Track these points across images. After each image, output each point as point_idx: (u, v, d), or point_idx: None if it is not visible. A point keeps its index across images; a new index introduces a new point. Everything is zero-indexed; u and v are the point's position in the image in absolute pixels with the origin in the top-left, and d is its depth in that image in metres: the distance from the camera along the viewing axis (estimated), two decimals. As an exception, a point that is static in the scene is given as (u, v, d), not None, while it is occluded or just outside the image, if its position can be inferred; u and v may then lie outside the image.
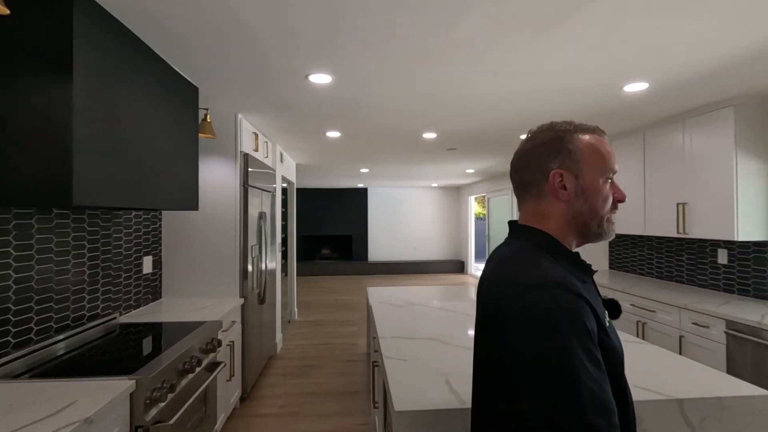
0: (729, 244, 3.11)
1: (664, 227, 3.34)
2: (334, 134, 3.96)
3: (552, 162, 0.79)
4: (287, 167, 5.26)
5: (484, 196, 9.41)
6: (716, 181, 2.87)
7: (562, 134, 0.80)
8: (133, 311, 2.57)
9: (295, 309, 5.77)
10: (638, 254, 4.10)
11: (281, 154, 4.77)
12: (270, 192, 3.99)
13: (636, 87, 2.52)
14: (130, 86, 1.76)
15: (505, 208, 7.99)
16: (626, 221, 3.80)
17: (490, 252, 0.88)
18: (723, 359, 2.51)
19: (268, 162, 4.10)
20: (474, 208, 10.35)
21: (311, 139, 4.24)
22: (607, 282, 3.67)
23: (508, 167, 6.59)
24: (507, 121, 3.45)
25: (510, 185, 7.35)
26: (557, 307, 0.65)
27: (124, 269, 2.47)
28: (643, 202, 3.58)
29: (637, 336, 3.19)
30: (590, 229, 0.79)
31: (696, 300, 2.86)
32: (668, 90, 2.59)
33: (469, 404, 1.21)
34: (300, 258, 10.60)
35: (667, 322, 2.95)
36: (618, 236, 4.41)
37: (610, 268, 4.54)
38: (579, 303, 0.66)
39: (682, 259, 3.55)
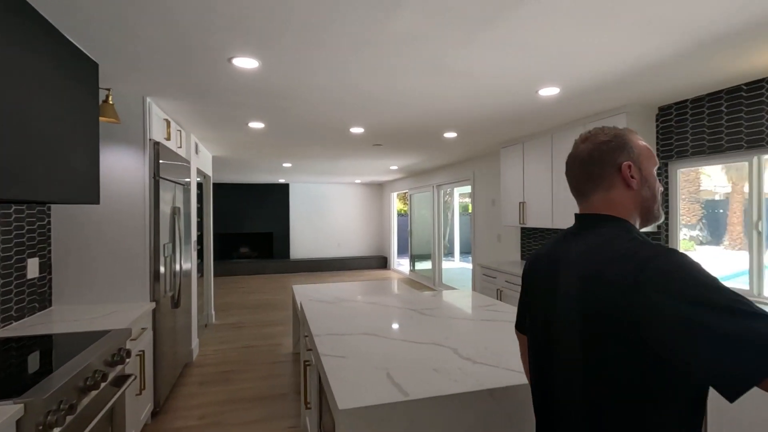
0: (620, 235, 3.54)
1: (569, 221, 3.70)
2: (257, 125, 3.74)
3: (620, 157, 0.88)
4: (203, 159, 4.87)
5: (406, 193, 9.66)
6: (611, 179, 3.23)
7: (621, 134, 0.91)
8: (15, 323, 2.18)
9: (213, 312, 5.39)
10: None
11: (196, 145, 4.40)
12: (183, 186, 3.65)
13: (549, 91, 2.74)
14: (5, 52, 1.47)
15: (427, 204, 8.27)
16: (537, 216, 4.14)
17: (550, 243, 0.97)
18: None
19: (181, 153, 3.75)
20: (396, 204, 10.58)
21: (231, 130, 3.97)
22: (519, 271, 3.97)
23: (430, 164, 6.90)
24: (434, 119, 3.55)
25: (432, 182, 7.66)
26: (695, 261, 0.70)
27: (1, 273, 2.08)
28: (551, 198, 3.93)
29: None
30: (652, 212, 0.90)
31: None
32: (576, 96, 2.86)
33: (413, 396, 1.21)
34: (217, 257, 9.94)
35: (572, 306, 3.27)
36: (529, 230, 4.79)
37: (522, 259, 4.92)
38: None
39: (583, 250, 3.96)
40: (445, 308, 2.35)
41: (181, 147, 3.72)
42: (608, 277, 0.75)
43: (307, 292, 3.17)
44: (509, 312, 2.24)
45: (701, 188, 3.52)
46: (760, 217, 2.61)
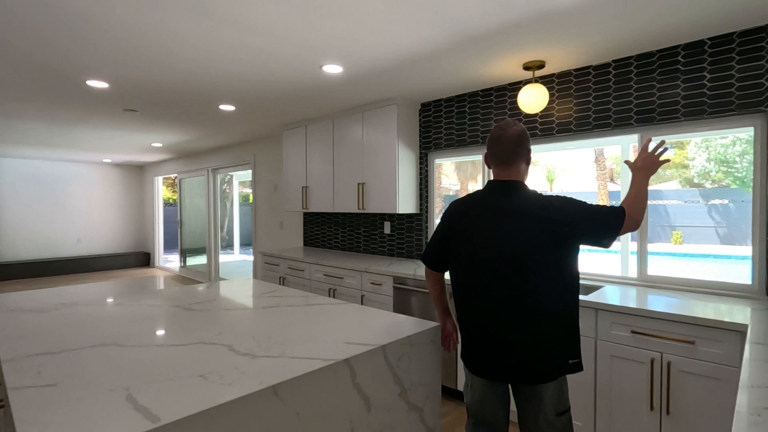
0: (391, 217, 3.89)
1: (349, 205, 3.83)
2: None
3: (529, 145, 1.46)
4: None
5: (175, 177, 8.36)
6: (385, 165, 3.49)
7: (524, 129, 1.47)
8: None
9: None
10: (327, 230, 4.57)
11: None
12: None
13: (333, 69, 2.70)
14: None
15: (201, 191, 7.35)
16: (318, 200, 4.14)
17: (468, 198, 1.54)
18: (391, 307, 3.08)
19: None
20: (162, 191, 9.07)
21: None
22: (302, 257, 3.89)
23: (205, 144, 6.04)
24: (206, 85, 3.04)
25: (207, 165, 6.78)
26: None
27: None
28: (332, 183, 3.99)
29: (330, 302, 3.52)
30: None
31: (372, 264, 3.40)
32: (357, 79, 2.91)
33: (166, 419, 0.87)
34: None
35: (352, 285, 3.39)
36: (310, 214, 4.78)
37: (305, 245, 4.89)
38: None
39: (360, 232, 4.19)
40: (221, 301, 1.99)
41: None
42: (553, 213, 1.36)
43: (10, 300, 2.22)
44: (295, 296, 2.07)
45: (442, 185, 4.24)
46: (489, 200, 3.26)
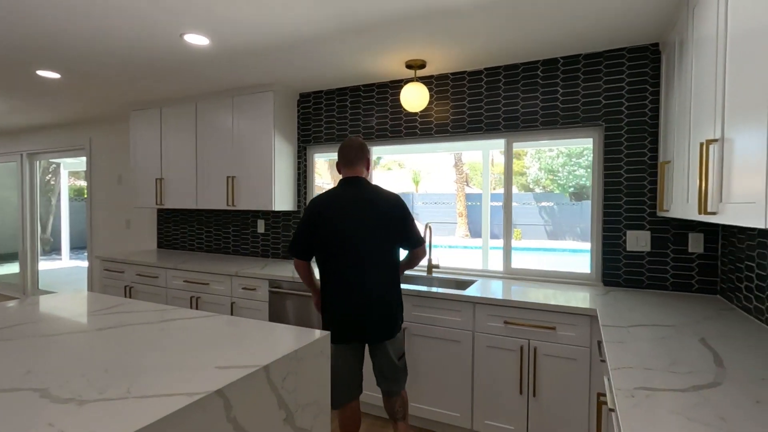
0: (266, 215, 3.57)
1: (216, 201, 3.38)
2: None
3: (366, 153, 1.94)
4: None
5: (-31, 163, 6.42)
6: (259, 158, 3.17)
7: (364, 142, 1.95)
8: None
9: None
10: (189, 230, 4.00)
11: None
12: None
13: (197, 40, 2.30)
14: None
15: (11, 182, 5.78)
16: (178, 195, 3.58)
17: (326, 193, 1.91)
18: (267, 315, 2.80)
19: None
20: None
21: None
22: (155, 261, 3.31)
23: (18, 120, 4.64)
24: (14, 40, 2.31)
25: (21, 149, 5.35)
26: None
27: None
28: (196, 176, 3.48)
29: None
30: None
31: (244, 267, 3.05)
32: (228, 56, 2.55)
33: None
34: None
35: (220, 292, 2.98)
36: (167, 211, 4.13)
37: (159, 246, 4.20)
38: None
39: (229, 231, 3.76)
40: (38, 323, 1.49)
41: None
42: (389, 207, 1.84)
43: None
44: (146, 310, 1.67)
45: (315, 183, 4.09)
46: (370, 197, 3.21)
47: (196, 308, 3.07)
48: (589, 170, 16.11)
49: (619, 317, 1.76)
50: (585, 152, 14.05)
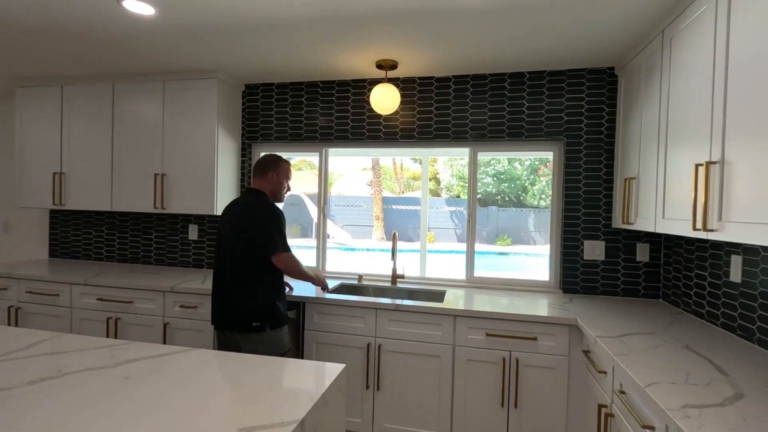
0: (200, 219, 3.12)
1: (139, 202, 2.86)
2: None
3: (269, 168, 2.05)
4: None
5: None
6: (198, 154, 2.75)
7: (275, 158, 2.07)
8: None
9: None
10: (95, 236, 3.33)
11: None
12: None
13: (139, 8, 1.88)
14: None
15: None
16: (85, 194, 2.95)
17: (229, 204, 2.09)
18: (210, 338, 2.42)
19: None
20: None
21: None
22: (52, 274, 2.68)
23: None
24: None
25: None
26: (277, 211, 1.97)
27: None
28: (111, 172, 2.90)
29: (110, 336, 2.52)
30: (276, 197, 2.08)
31: (180, 281, 2.61)
32: (175, 32, 2.15)
33: None
34: None
35: (148, 311, 2.51)
36: (63, 214, 3.40)
37: (52, 256, 3.44)
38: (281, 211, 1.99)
39: (151, 238, 3.21)
40: None
41: None
42: (251, 215, 1.95)
43: None
44: (85, 349, 1.28)
45: None
46: (326, 202, 2.98)
47: (115, 333, 2.55)
48: (494, 179, 17.41)
49: (601, 327, 1.83)
50: (492, 162, 15.18)
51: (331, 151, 2.98)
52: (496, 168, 16.98)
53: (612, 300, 2.39)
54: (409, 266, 3.08)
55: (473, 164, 2.75)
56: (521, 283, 2.65)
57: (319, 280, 2.14)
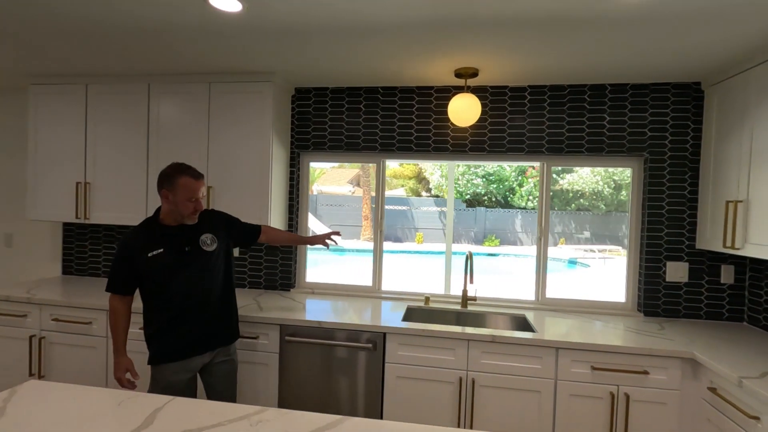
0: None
1: (179, 216, 2.56)
2: None
3: (163, 185, 1.73)
4: None
5: None
6: (250, 166, 2.48)
7: (170, 172, 1.73)
8: None
9: None
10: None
11: None
12: None
13: (227, 4, 1.63)
14: None
15: None
16: (114, 207, 2.63)
17: None
18: (276, 372, 2.18)
19: None
20: None
21: None
22: (76, 299, 2.36)
23: None
24: None
25: None
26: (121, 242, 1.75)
27: None
28: (146, 182, 2.60)
29: (156, 372, 2.23)
30: (181, 216, 1.75)
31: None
32: (253, 29, 1.89)
33: None
34: None
35: (201, 342, 2.24)
36: (80, 227, 3.04)
37: (66, 273, 3.07)
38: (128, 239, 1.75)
39: (183, 254, 2.91)
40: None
41: None
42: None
43: None
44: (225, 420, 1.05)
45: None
46: (382, 216, 2.78)
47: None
48: (484, 180, 17.48)
49: (726, 362, 1.72)
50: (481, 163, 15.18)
51: (390, 163, 2.77)
52: (486, 169, 17.11)
53: (697, 324, 2.31)
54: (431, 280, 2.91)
55: (546, 179, 2.60)
56: (596, 305, 2.54)
57: None
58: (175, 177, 1.70)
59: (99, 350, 2.33)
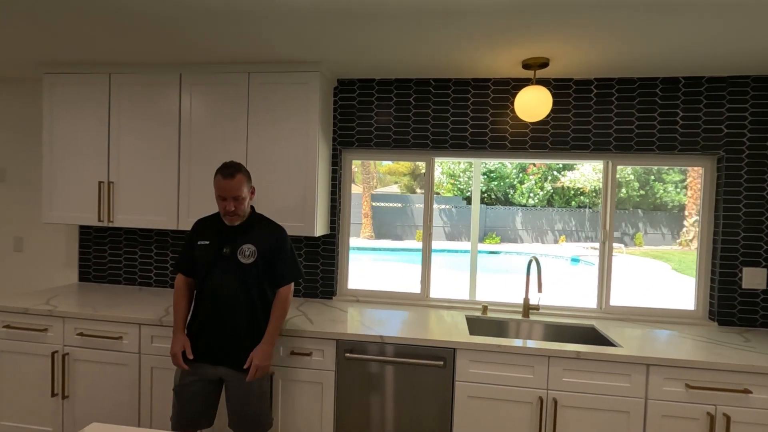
0: (294, 241, 2.62)
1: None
2: None
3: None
4: None
5: None
6: (291, 163, 2.27)
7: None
8: None
9: None
10: (142, 257, 2.76)
11: None
12: None
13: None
14: None
15: None
16: (141, 209, 2.40)
17: None
18: (332, 392, 1.98)
19: None
20: None
21: None
22: (104, 311, 2.14)
23: None
24: None
25: None
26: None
27: None
28: (177, 183, 2.37)
29: (198, 393, 2.01)
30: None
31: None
32: (314, 3, 1.67)
33: None
34: None
35: (246, 359, 2.02)
36: (99, 230, 2.80)
37: (83, 280, 2.83)
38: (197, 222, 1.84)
39: (213, 260, 2.68)
40: None
41: None
42: None
43: None
44: None
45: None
46: (431, 219, 2.58)
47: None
48: (485, 177, 17.33)
49: None
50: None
51: (439, 160, 2.57)
52: (487, 166, 16.96)
53: (778, 334, 2.16)
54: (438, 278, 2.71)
55: (612, 178, 2.43)
56: (663, 312, 2.38)
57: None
58: (216, 174, 1.70)
59: (131, 368, 2.11)
